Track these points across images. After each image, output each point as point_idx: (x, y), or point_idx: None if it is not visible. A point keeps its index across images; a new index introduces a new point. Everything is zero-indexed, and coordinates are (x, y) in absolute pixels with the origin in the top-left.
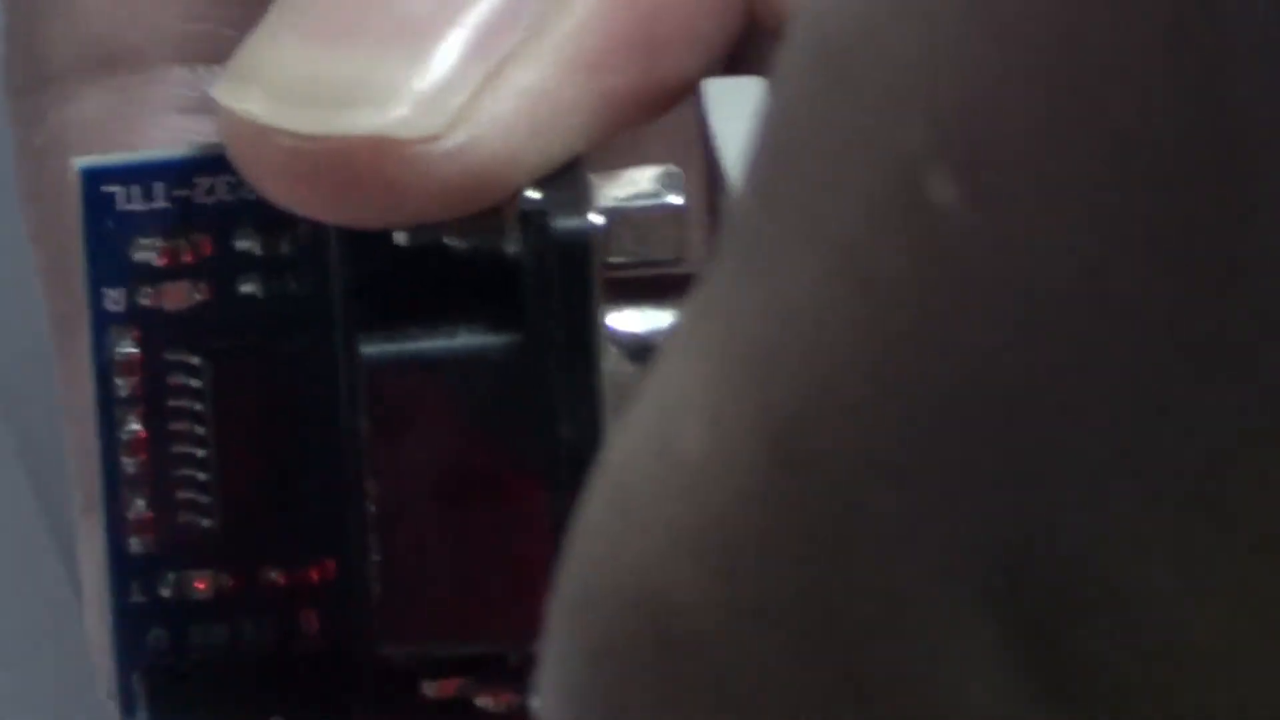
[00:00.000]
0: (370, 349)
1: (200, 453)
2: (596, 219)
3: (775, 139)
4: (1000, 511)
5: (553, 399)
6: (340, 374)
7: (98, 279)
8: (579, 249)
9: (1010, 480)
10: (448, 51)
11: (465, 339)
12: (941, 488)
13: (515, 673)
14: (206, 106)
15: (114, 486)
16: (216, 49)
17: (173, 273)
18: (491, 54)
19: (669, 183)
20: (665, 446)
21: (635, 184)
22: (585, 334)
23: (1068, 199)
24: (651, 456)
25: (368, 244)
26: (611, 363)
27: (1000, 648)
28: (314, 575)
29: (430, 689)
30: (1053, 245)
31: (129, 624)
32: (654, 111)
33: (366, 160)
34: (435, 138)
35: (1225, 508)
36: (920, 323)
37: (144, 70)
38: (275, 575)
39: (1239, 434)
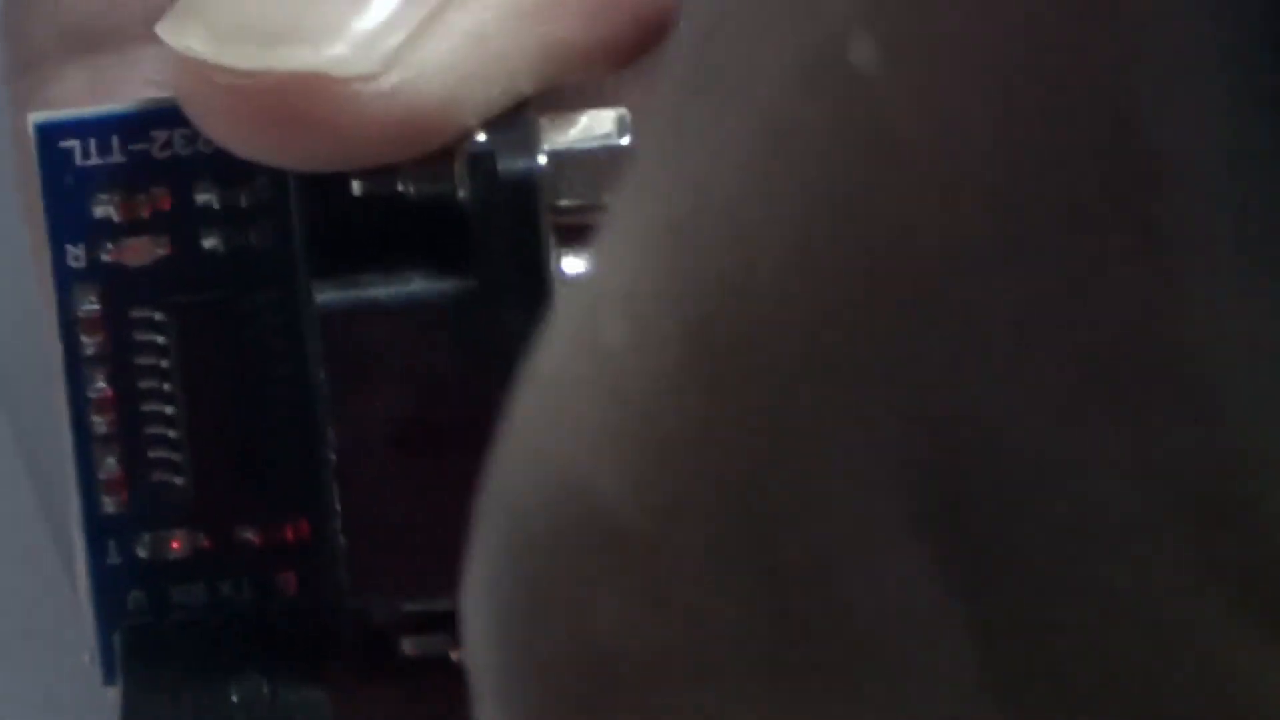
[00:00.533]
0: (324, 295)
1: (169, 410)
2: (542, 160)
3: (697, 14)
4: (923, 392)
5: (506, 342)
6: (304, 327)
7: (59, 236)
8: (525, 189)
9: (933, 358)
10: None
11: (419, 284)
12: (863, 369)
13: None
14: None
15: (85, 446)
16: None
17: (133, 228)
18: None
19: (620, 126)
20: (591, 338)
21: (586, 127)
22: (536, 274)
23: (983, 63)
24: (577, 348)
25: (325, 194)
26: None
27: (915, 536)
28: (289, 534)
29: (409, 645)
30: (969, 109)
31: (107, 585)
32: (603, 65)
33: (302, 98)
34: (371, 77)
35: (1137, 376)
36: (841, 193)
37: (122, 49)
38: (250, 535)
39: (1145, 305)
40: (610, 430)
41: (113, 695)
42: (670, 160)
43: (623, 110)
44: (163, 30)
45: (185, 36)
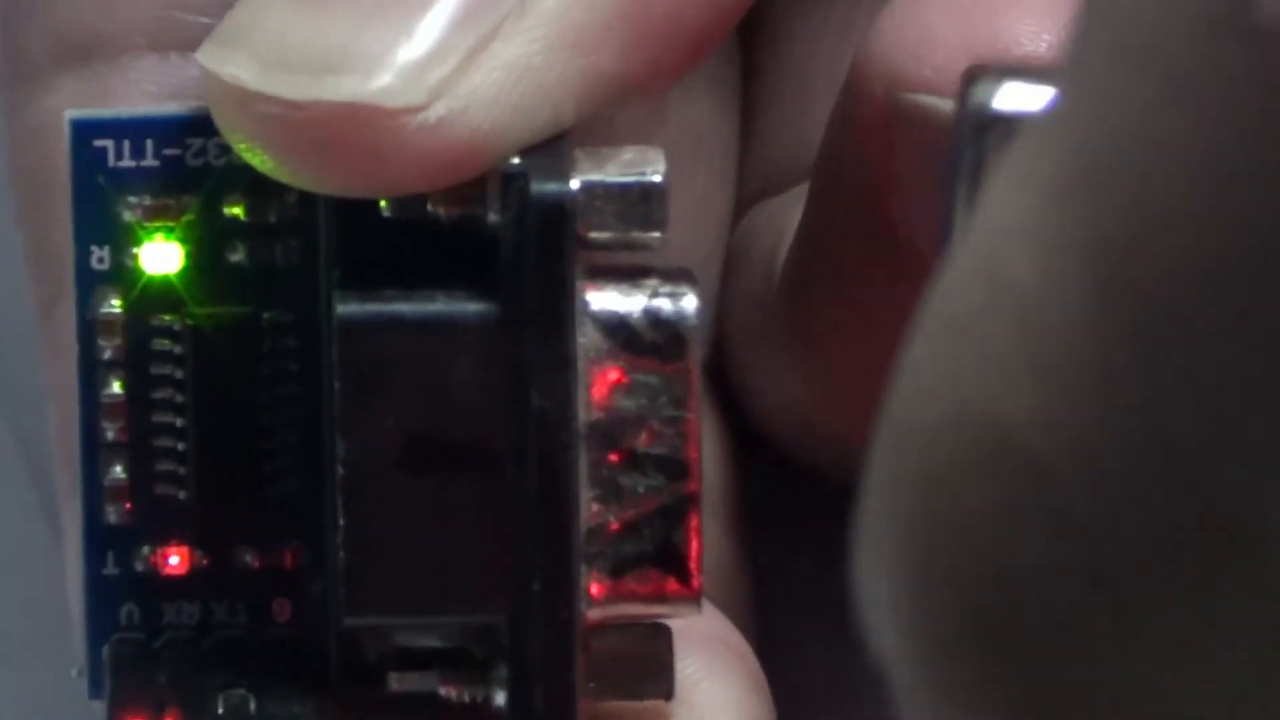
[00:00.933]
0: (346, 307)
1: (179, 422)
2: (575, 186)
3: None
4: None
5: (525, 367)
6: (323, 345)
7: (84, 235)
8: (557, 213)
9: None
10: (433, 23)
11: (442, 304)
12: (1273, 311)
13: (481, 665)
14: (178, 93)
15: (92, 451)
16: (189, 36)
17: (159, 234)
18: (477, 27)
19: (649, 161)
20: (995, 274)
21: (621, 161)
22: (561, 299)
23: None
24: (981, 284)
25: (354, 214)
26: (587, 338)
27: None
28: (287, 560)
29: (396, 681)
30: None
31: (102, 596)
32: (642, 92)
33: (349, 128)
34: (418, 109)
35: None
36: (1250, 145)
37: (116, 59)
38: (249, 557)
39: None
40: (1019, 362)
41: (100, 709)
42: (1079, 107)
43: (659, 149)
44: (204, 57)
45: (229, 64)
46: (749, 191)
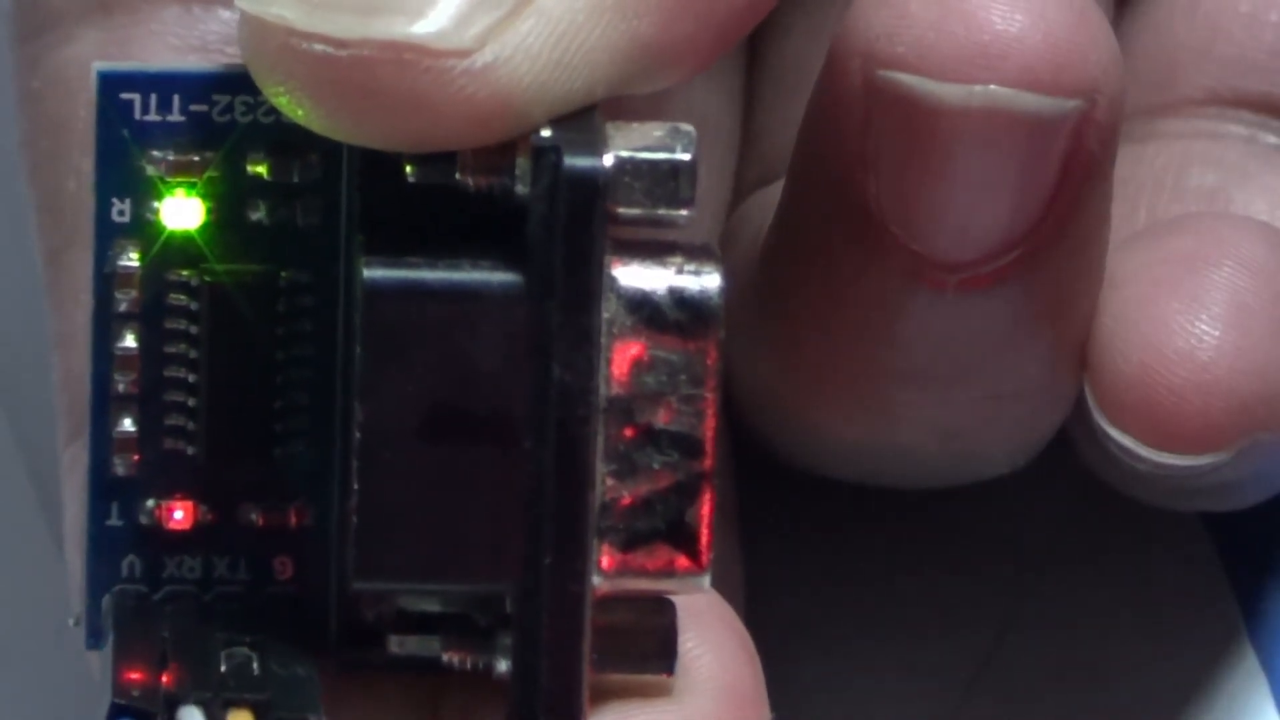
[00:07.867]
0: (372, 272)
1: (191, 378)
2: (608, 162)
3: None
4: None
5: (548, 339)
6: (340, 308)
7: (106, 187)
8: (588, 188)
9: None
10: None
11: (467, 273)
12: None
13: (485, 633)
14: (200, 45)
15: (103, 402)
16: None
17: (181, 189)
18: None
19: (680, 139)
20: None
21: (647, 137)
22: (588, 274)
23: None
24: None
25: (379, 177)
26: (610, 312)
27: None
28: (292, 519)
29: (395, 644)
30: None
31: (104, 547)
32: (671, 70)
33: (392, 70)
34: (464, 53)
35: None
36: None
37: (138, 9)
38: (254, 515)
39: None
40: None
41: (96, 661)
42: None
43: (689, 126)
44: (244, 2)
45: (273, 4)
46: (747, 182)
